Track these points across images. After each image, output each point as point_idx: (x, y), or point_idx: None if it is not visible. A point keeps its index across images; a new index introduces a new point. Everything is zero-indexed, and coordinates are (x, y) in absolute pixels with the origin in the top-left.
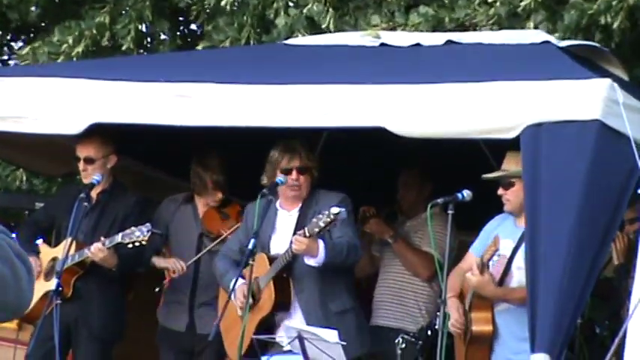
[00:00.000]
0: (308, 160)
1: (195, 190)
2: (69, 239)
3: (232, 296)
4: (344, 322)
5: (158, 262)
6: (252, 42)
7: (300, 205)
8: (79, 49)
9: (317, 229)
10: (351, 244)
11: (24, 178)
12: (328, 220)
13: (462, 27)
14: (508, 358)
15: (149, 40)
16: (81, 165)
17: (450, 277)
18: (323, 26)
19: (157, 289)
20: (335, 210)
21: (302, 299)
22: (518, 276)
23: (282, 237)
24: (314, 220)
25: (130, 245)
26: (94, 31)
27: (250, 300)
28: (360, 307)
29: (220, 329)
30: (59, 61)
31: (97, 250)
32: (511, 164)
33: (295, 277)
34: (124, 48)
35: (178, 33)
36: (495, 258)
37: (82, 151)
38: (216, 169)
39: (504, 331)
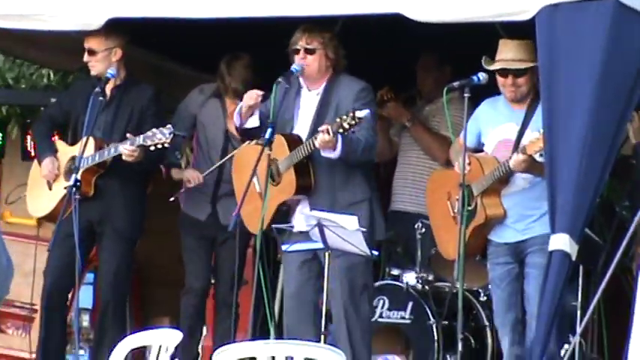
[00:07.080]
0: (314, 40)
1: (220, 88)
2: (85, 137)
3: None
4: (355, 214)
5: (175, 173)
6: None
7: (324, 85)
8: None
9: (341, 130)
10: (368, 142)
11: (51, 75)
12: (353, 122)
13: None
14: (515, 236)
15: None
16: (85, 57)
17: (450, 152)
18: None
19: (171, 199)
20: (361, 114)
21: (316, 187)
22: None
23: (305, 116)
24: (337, 120)
25: (152, 148)
26: None
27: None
28: (376, 197)
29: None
30: None
31: (130, 152)
32: (520, 52)
33: (315, 163)
34: None
35: None
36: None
37: (86, 43)
38: (237, 77)
39: (510, 212)
